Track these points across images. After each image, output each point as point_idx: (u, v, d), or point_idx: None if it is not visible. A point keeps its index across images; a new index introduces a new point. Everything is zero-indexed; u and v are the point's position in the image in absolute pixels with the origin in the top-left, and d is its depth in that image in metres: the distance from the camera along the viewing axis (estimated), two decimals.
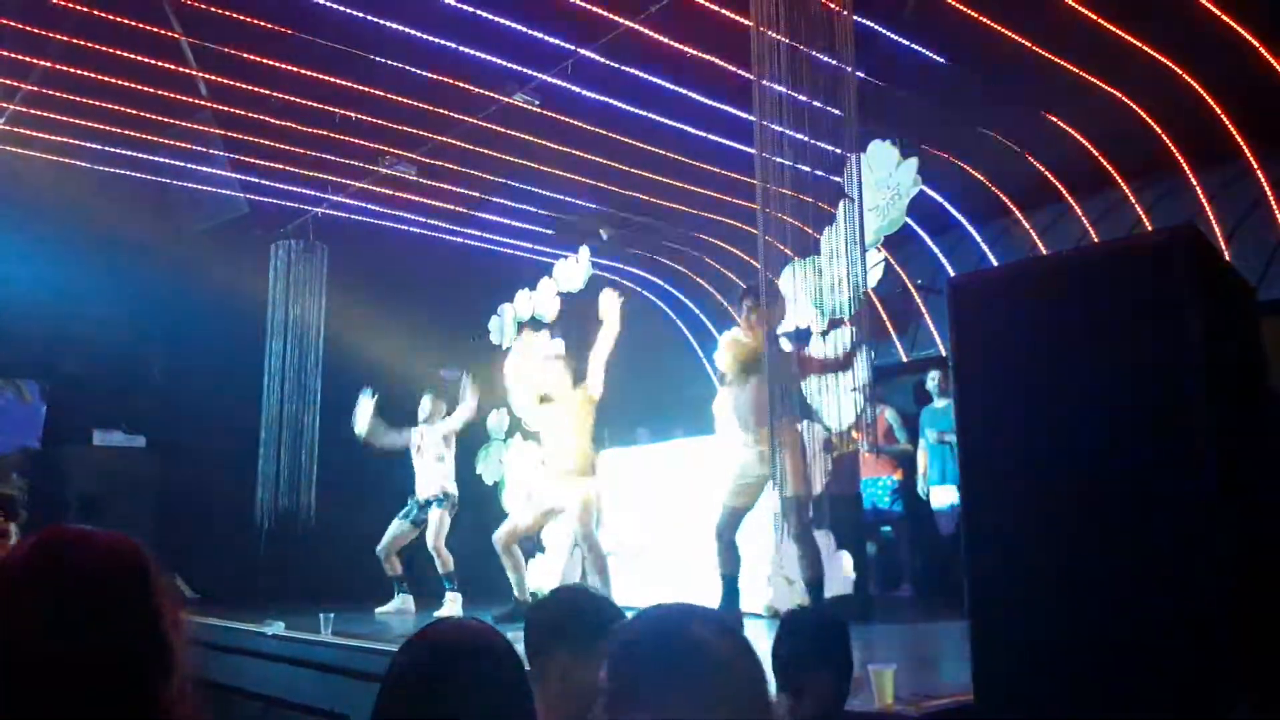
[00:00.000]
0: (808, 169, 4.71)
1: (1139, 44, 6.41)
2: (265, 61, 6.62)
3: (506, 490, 8.42)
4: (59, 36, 6.28)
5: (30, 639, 1.01)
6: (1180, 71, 6.66)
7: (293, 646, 5.66)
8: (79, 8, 5.98)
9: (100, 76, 6.72)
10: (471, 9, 6.10)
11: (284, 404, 8.59)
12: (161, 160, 7.96)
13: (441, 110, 7.31)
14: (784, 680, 2.41)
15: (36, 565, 1.07)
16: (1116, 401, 2.56)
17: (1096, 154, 7.64)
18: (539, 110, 7.16)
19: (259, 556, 8.08)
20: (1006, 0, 6.10)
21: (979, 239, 8.63)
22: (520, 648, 1.39)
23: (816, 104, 4.63)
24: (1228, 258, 6.60)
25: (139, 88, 6.90)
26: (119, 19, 6.16)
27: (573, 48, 6.55)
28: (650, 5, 6.00)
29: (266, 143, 7.69)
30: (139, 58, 6.56)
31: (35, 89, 6.81)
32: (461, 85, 6.99)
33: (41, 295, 7.96)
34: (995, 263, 8.10)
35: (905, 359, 9.22)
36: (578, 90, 6.94)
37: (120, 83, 6.82)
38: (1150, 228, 7.36)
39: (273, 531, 8.26)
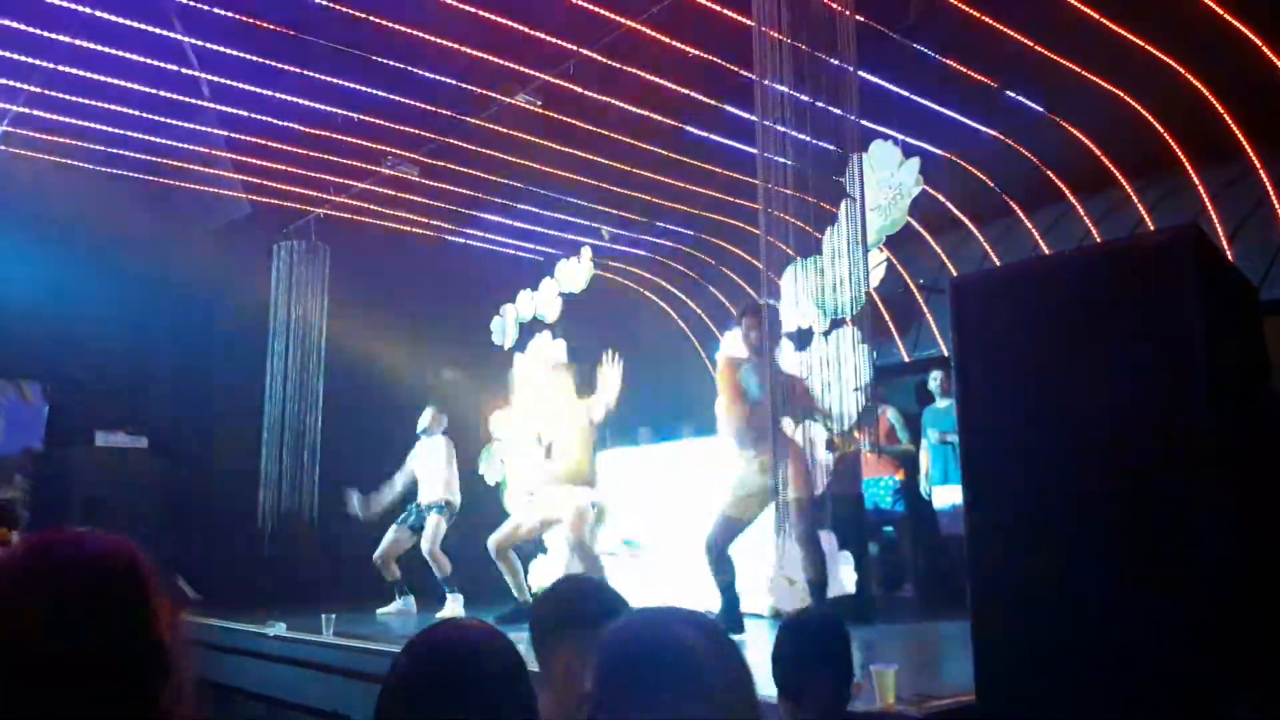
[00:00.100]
0: (809, 169, 4.71)
1: (1141, 43, 6.41)
2: (268, 63, 6.63)
3: (508, 491, 8.43)
4: (62, 38, 6.28)
5: (25, 642, 1.01)
6: (1183, 70, 6.65)
7: (294, 647, 5.67)
8: (82, 9, 5.98)
9: (103, 78, 6.73)
10: (473, 10, 6.10)
11: (286, 405, 8.60)
12: (164, 162, 7.97)
13: (443, 111, 7.32)
14: (784, 684, 2.41)
15: (30, 569, 1.07)
16: (1119, 402, 2.56)
17: (1099, 153, 7.64)
18: (541, 111, 7.16)
19: (261, 557, 8.07)
20: (1009, 0, 6.10)
21: (981, 239, 8.63)
22: (523, 647, 1.39)
23: (818, 104, 4.63)
24: (1230, 257, 6.59)
25: (142, 89, 6.91)
26: (122, 20, 6.16)
27: (574, 48, 6.55)
28: (652, 6, 5.99)
29: (269, 143, 7.70)
30: (142, 59, 6.57)
31: (39, 90, 6.82)
32: (463, 86, 6.99)
33: (44, 296, 7.96)
34: (997, 262, 8.09)
35: (907, 359, 9.22)
36: (579, 90, 6.94)
37: (123, 84, 6.84)
38: (1153, 227, 7.36)
39: (275, 532, 8.26)
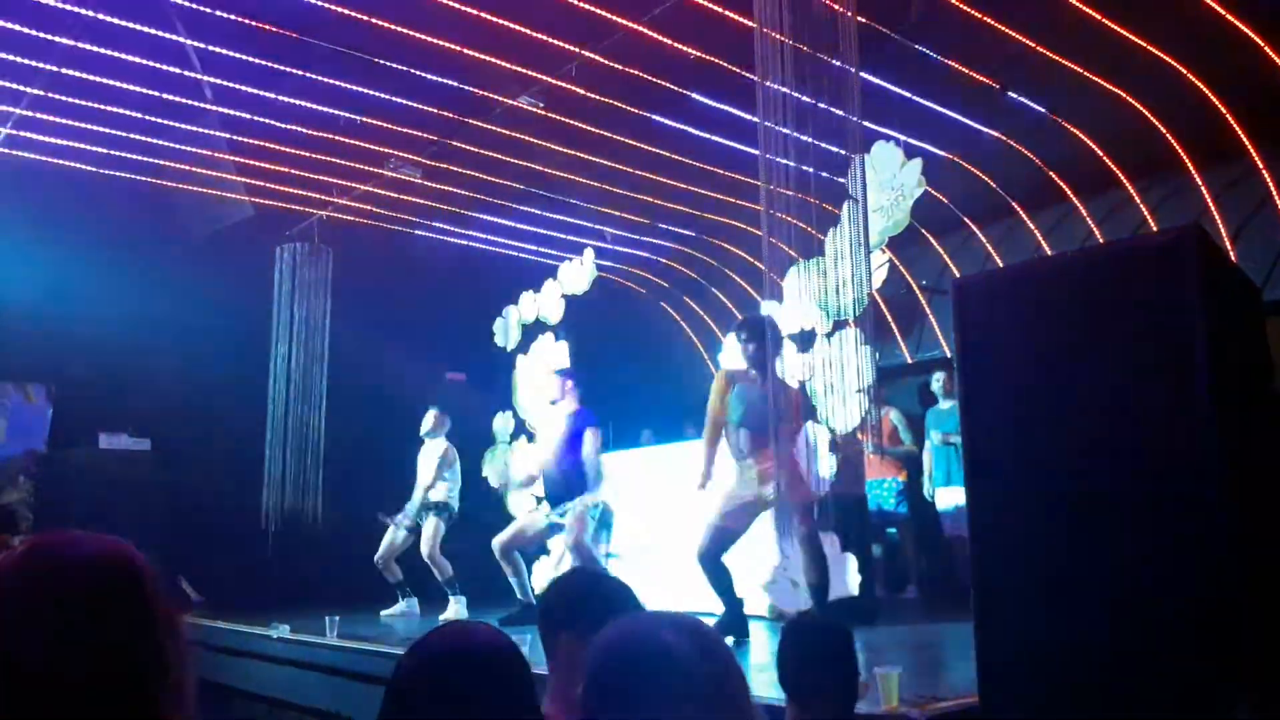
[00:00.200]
0: (811, 170, 4.71)
1: (1144, 44, 6.40)
2: (270, 65, 6.64)
3: (511, 493, 8.43)
4: (65, 41, 6.30)
5: (24, 645, 1.01)
6: (1185, 71, 6.65)
7: (298, 649, 5.67)
8: (85, 12, 6.00)
9: (105, 80, 6.75)
10: (476, 12, 6.11)
11: (289, 407, 8.60)
12: (167, 164, 7.98)
13: (446, 113, 7.32)
14: (791, 687, 2.42)
15: (29, 572, 1.07)
16: (1121, 403, 2.56)
17: (1101, 154, 7.64)
18: (543, 112, 7.17)
19: (265, 559, 8.08)
20: (1011, 1, 6.09)
21: (984, 240, 8.63)
22: (526, 649, 1.40)
23: (820, 105, 4.63)
24: (1233, 258, 6.59)
25: (144, 91, 6.92)
26: (125, 23, 6.18)
27: (577, 50, 6.56)
28: (654, 7, 6.00)
29: (272, 145, 7.71)
30: (144, 62, 6.58)
31: (41, 93, 6.84)
32: (466, 88, 7.00)
33: (48, 298, 7.98)
34: (1000, 263, 8.08)
35: (910, 360, 9.22)
36: (582, 92, 6.95)
37: (125, 87, 6.85)
38: (1155, 228, 7.35)
39: (278, 534, 8.26)
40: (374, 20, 6.14)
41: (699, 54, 6.54)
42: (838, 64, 4.62)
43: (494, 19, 6.19)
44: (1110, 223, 7.84)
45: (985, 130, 7.60)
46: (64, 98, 6.91)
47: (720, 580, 5.00)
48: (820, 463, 5.21)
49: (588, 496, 6.12)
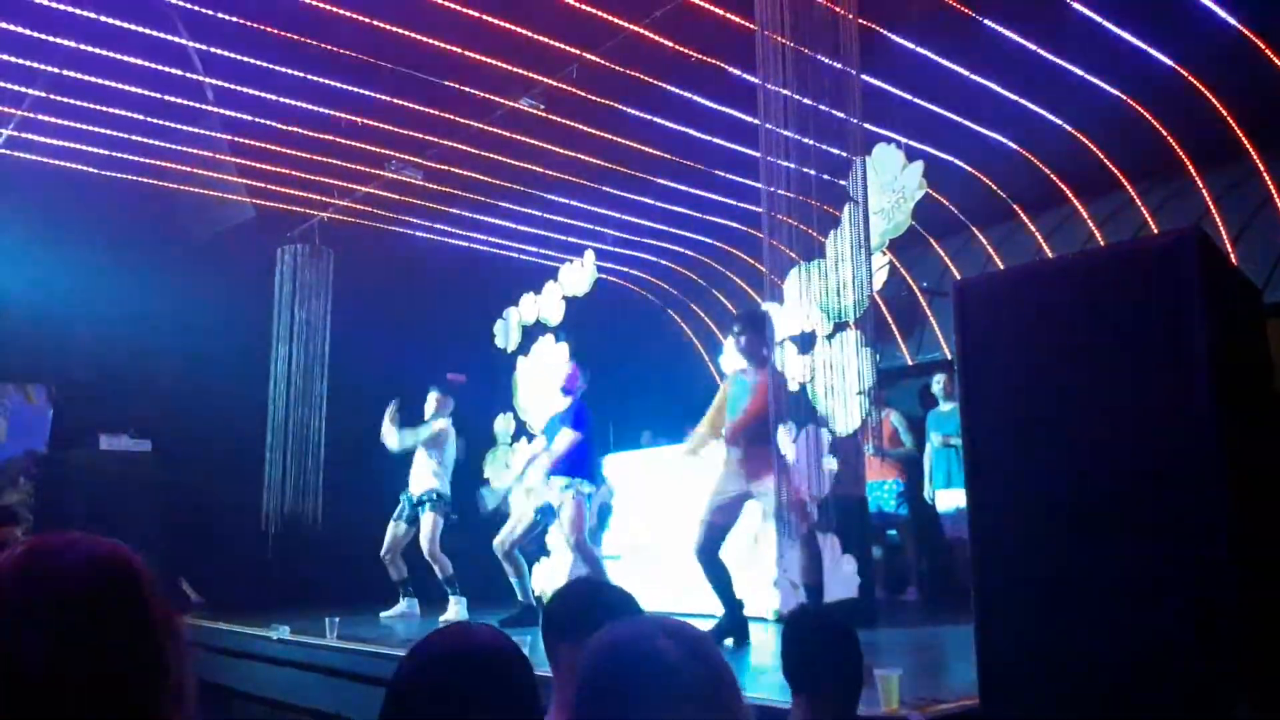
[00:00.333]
0: (812, 172, 4.71)
1: (1144, 46, 6.40)
2: (271, 67, 6.64)
3: (512, 493, 8.43)
4: (66, 42, 6.30)
5: (21, 648, 1.01)
6: (1186, 73, 6.65)
7: (299, 650, 5.67)
8: (86, 14, 6.00)
9: (107, 82, 6.75)
10: (476, 14, 6.11)
11: (290, 409, 8.60)
12: (168, 165, 7.98)
13: (447, 115, 7.33)
14: (797, 684, 2.42)
15: (26, 573, 1.07)
16: (1122, 405, 2.56)
17: (1102, 156, 7.63)
18: (544, 114, 7.17)
19: (265, 561, 8.08)
20: (1011, 2, 6.10)
21: (984, 242, 8.63)
22: (527, 650, 1.40)
23: (821, 107, 4.63)
24: (1234, 260, 6.59)
25: (145, 93, 6.93)
26: (126, 25, 6.18)
27: (578, 52, 6.56)
28: (655, 9, 6.00)
29: (273, 147, 7.71)
30: (145, 63, 6.59)
31: (43, 95, 6.84)
32: (467, 90, 7.00)
33: (49, 299, 7.98)
34: (1001, 266, 8.08)
35: (911, 362, 9.22)
36: (583, 95, 6.95)
37: (127, 88, 6.85)
38: (1156, 230, 7.35)
39: (278, 536, 8.26)
40: (375, 22, 6.15)
41: (700, 56, 6.54)
42: (839, 66, 4.62)
43: (495, 21, 6.20)
44: (1111, 225, 7.84)
45: (986, 133, 7.59)
46: (65, 99, 6.91)
47: (719, 579, 5.02)
48: (821, 464, 5.21)
49: (583, 484, 6.14)
